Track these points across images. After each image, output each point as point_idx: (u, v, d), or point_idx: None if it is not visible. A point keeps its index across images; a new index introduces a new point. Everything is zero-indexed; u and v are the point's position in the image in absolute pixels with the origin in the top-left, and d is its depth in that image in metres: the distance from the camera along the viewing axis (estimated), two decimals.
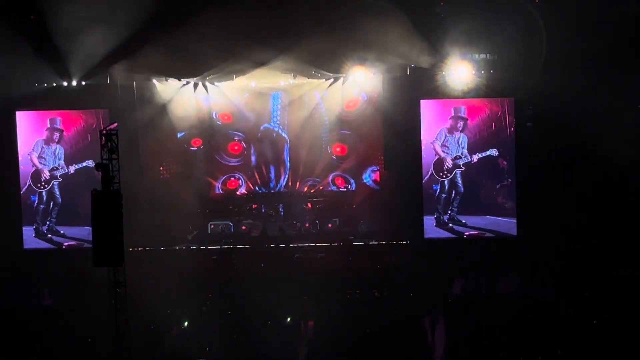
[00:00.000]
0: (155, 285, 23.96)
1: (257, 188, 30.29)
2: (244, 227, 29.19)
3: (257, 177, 30.33)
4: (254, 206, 29.97)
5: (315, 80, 28.78)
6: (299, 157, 30.09)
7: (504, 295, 24.83)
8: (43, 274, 26.41)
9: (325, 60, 27.07)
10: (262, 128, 30.01)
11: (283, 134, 30.14)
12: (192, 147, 30.00)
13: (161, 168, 29.86)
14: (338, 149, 30.07)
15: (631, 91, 26.28)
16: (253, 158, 30.18)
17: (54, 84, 27.09)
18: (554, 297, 23.42)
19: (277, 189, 30.33)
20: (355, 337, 20.73)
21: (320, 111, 29.75)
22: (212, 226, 29.13)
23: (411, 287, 24.08)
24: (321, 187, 30.16)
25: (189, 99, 29.41)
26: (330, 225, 29.09)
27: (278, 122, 30.03)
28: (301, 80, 28.69)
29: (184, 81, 28.28)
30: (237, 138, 30.11)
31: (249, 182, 30.30)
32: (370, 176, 30.02)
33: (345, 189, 30.22)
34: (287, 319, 22.27)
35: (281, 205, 29.94)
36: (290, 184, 30.31)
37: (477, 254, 26.87)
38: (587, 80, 25.96)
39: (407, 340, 20.73)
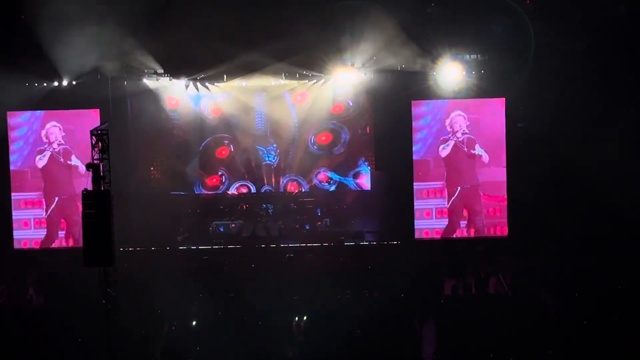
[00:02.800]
0: (146, 286, 23.96)
1: (246, 187, 30.31)
2: (233, 226, 29.19)
3: (245, 177, 30.33)
4: (244, 206, 29.97)
5: (305, 81, 28.72)
6: (286, 154, 30.11)
7: (495, 296, 24.85)
8: (34, 273, 26.38)
9: (315, 61, 27.06)
10: (248, 119, 30.00)
11: (270, 133, 30.12)
12: (179, 139, 29.99)
13: (152, 168, 29.84)
14: (323, 138, 30.12)
15: (622, 91, 26.36)
16: (241, 156, 30.15)
17: (45, 84, 26.98)
18: (544, 297, 23.44)
19: (266, 188, 30.34)
20: (345, 337, 20.70)
21: (308, 111, 29.76)
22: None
23: (402, 288, 24.07)
24: (309, 185, 30.18)
25: (180, 98, 29.43)
26: (320, 224, 29.11)
27: (267, 117, 30.02)
28: (291, 80, 28.64)
29: (174, 81, 28.15)
30: (225, 142, 30.10)
31: (236, 182, 30.30)
32: (353, 178, 30.10)
33: (327, 184, 30.24)
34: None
35: (270, 205, 29.94)
36: (279, 184, 30.32)
37: (467, 254, 26.94)
38: (577, 80, 26.06)
39: (397, 341, 20.70)
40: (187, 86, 28.57)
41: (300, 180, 30.33)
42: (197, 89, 28.76)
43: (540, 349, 19.90)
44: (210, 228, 28.96)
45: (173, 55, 26.94)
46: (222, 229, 29.10)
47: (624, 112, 26.72)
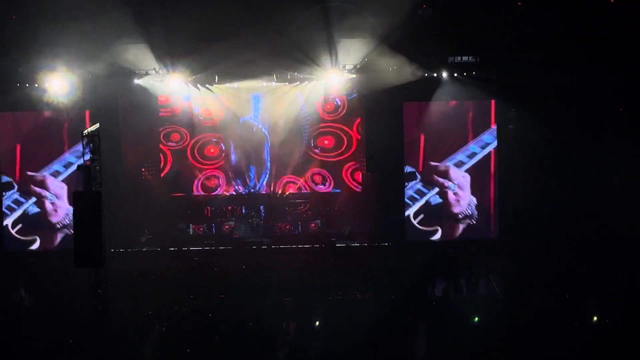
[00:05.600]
0: (137, 287, 23.96)
1: (238, 189, 30.29)
2: (226, 227, 29.21)
3: (237, 177, 30.29)
4: (236, 208, 29.95)
5: (296, 82, 28.70)
6: (279, 155, 30.10)
7: (485, 297, 24.92)
8: (25, 275, 26.30)
9: (305, 62, 27.03)
10: (241, 121, 29.96)
11: (263, 130, 30.09)
12: (172, 141, 29.97)
13: (143, 169, 29.79)
14: (326, 142, 30.16)
15: (613, 91, 26.41)
16: (233, 157, 30.13)
17: (36, 85, 26.83)
18: (534, 299, 23.49)
19: (257, 189, 30.32)
20: (336, 339, 20.72)
21: (301, 112, 29.76)
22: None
23: (393, 289, 24.11)
24: (300, 185, 30.18)
25: (171, 99, 29.42)
26: (312, 226, 29.14)
27: (259, 118, 30.01)
28: (282, 82, 28.64)
29: (166, 81, 28.01)
30: (214, 140, 30.08)
31: (228, 184, 30.27)
32: (349, 176, 30.14)
33: (323, 186, 30.26)
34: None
35: (262, 206, 29.92)
36: (272, 185, 30.29)
37: (458, 255, 26.97)
38: (568, 82, 26.10)
39: (389, 343, 20.72)
40: (179, 86, 28.38)
41: (295, 182, 30.29)
42: (189, 88, 28.68)
43: (532, 349, 19.94)
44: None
45: (165, 55, 26.87)
46: (214, 231, 29.13)
47: (614, 113, 26.78)
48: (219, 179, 30.29)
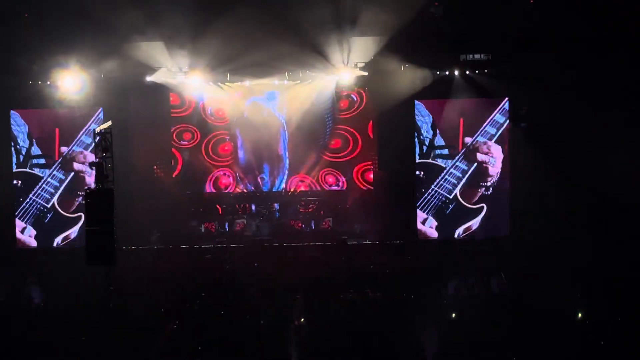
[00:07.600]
0: (148, 284, 24.01)
1: (249, 188, 30.33)
2: (238, 225, 29.25)
3: (247, 177, 30.32)
4: (247, 205, 30.01)
5: (308, 80, 28.72)
6: (292, 154, 30.11)
7: (497, 295, 24.87)
8: (36, 273, 26.38)
9: (317, 60, 27.04)
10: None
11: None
12: (184, 140, 30.03)
13: (155, 167, 29.85)
14: (332, 142, 30.15)
15: (625, 89, 26.31)
16: (241, 153, 30.13)
17: (48, 82, 26.93)
18: (542, 297, 23.44)
19: (272, 189, 30.35)
20: (348, 336, 20.73)
21: (314, 110, 29.73)
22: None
23: (404, 287, 24.10)
24: (310, 183, 30.20)
25: (184, 96, 29.49)
26: (324, 224, 29.17)
27: (277, 108, 30.01)
28: (294, 80, 28.66)
29: (179, 79, 28.06)
30: (227, 138, 30.15)
31: (239, 182, 30.32)
32: (360, 176, 30.16)
33: (336, 187, 30.28)
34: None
35: (276, 204, 29.96)
36: (285, 184, 30.29)
37: (470, 253, 26.95)
38: (580, 80, 26.03)
39: (399, 340, 20.72)
40: (190, 84, 28.45)
41: (307, 180, 30.31)
42: (200, 87, 28.74)
43: (543, 348, 19.90)
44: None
45: (177, 53, 26.92)
46: (227, 228, 29.19)
47: (626, 110, 26.67)
48: (230, 177, 30.34)
